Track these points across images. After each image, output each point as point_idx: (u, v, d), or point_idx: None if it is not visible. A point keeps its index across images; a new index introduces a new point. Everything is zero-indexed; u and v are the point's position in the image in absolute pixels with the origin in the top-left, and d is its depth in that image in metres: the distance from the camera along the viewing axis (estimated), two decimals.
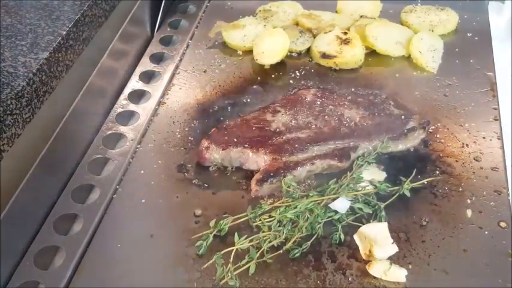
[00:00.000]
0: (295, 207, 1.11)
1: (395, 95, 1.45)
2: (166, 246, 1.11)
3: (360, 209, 1.13)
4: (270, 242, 1.07)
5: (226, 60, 1.59)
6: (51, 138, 1.22)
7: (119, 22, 1.55)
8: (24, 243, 1.10)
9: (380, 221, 1.12)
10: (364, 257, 1.08)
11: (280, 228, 1.08)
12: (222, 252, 1.05)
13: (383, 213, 1.13)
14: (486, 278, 1.05)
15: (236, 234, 1.07)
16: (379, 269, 1.05)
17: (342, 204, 1.12)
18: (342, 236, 1.10)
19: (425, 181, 1.19)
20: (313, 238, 1.09)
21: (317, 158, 1.22)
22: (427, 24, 1.66)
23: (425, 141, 1.31)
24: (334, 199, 1.13)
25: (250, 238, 1.07)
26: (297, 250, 1.07)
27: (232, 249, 1.05)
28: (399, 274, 1.04)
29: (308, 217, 1.10)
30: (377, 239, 1.07)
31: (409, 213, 1.16)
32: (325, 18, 1.68)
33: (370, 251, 1.07)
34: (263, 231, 1.08)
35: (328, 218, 1.11)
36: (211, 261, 1.04)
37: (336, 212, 1.12)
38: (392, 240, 1.08)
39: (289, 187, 1.15)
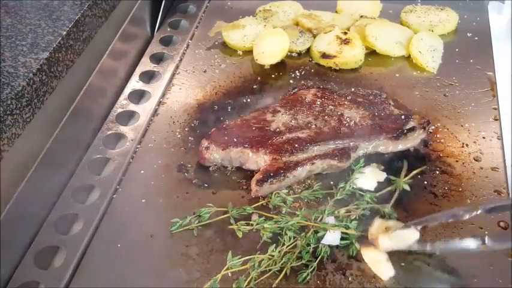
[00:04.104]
0: (277, 223, 1.10)
1: (395, 95, 1.45)
2: (166, 246, 1.11)
3: (349, 235, 1.10)
4: (261, 265, 1.04)
5: (226, 60, 1.59)
6: (51, 138, 1.22)
7: (118, 22, 1.55)
8: (24, 243, 1.10)
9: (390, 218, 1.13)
10: (369, 236, 1.08)
11: (274, 253, 1.05)
12: (219, 276, 1.02)
13: (393, 213, 1.14)
14: (486, 278, 1.05)
15: (230, 252, 1.04)
16: (372, 256, 1.05)
17: (333, 237, 1.09)
18: (357, 246, 1.08)
19: (416, 172, 1.21)
20: (317, 260, 1.06)
21: (317, 158, 1.22)
22: (427, 24, 1.66)
23: (425, 141, 1.31)
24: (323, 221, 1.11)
25: (244, 259, 1.04)
26: (305, 273, 1.04)
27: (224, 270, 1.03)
28: (385, 272, 1.04)
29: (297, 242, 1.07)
30: (393, 232, 1.06)
31: (409, 213, 1.16)
32: (325, 18, 1.68)
33: (377, 236, 1.06)
34: (257, 255, 1.05)
35: (316, 243, 1.08)
36: (208, 284, 1.02)
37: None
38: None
39: (282, 201, 1.15)
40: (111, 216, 1.17)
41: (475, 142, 1.32)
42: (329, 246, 1.08)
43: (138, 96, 1.49)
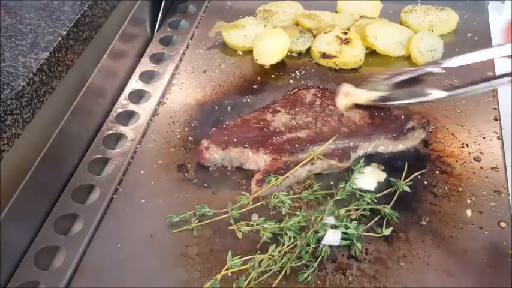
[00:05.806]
0: (277, 223, 1.11)
1: None
2: (166, 246, 1.11)
3: (348, 234, 1.10)
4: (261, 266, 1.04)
5: (226, 60, 1.59)
6: (51, 138, 1.22)
7: (119, 22, 1.55)
8: (24, 243, 1.10)
9: (391, 219, 1.14)
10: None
11: (274, 253, 1.05)
12: (219, 276, 1.02)
13: (393, 214, 1.14)
14: (486, 278, 1.05)
15: (230, 252, 1.04)
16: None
17: (333, 237, 1.09)
18: (360, 245, 1.08)
19: (416, 174, 1.21)
20: (317, 260, 1.06)
21: (317, 158, 1.22)
22: (427, 24, 1.66)
23: (425, 141, 1.31)
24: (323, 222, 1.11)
25: (244, 259, 1.04)
26: (305, 273, 1.04)
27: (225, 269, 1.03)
28: None
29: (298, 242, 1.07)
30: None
31: (409, 213, 1.16)
32: (325, 18, 1.68)
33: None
34: (258, 255, 1.05)
35: (316, 243, 1.08)
36: (208, 284, 1.02)
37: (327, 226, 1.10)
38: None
39: (281, 202, 1.15)
40: (111, 216, 1.17)
41: (475, 142, 1.32)
42: (329, 246, 1.08)
43: (138, 96, 1.49)
